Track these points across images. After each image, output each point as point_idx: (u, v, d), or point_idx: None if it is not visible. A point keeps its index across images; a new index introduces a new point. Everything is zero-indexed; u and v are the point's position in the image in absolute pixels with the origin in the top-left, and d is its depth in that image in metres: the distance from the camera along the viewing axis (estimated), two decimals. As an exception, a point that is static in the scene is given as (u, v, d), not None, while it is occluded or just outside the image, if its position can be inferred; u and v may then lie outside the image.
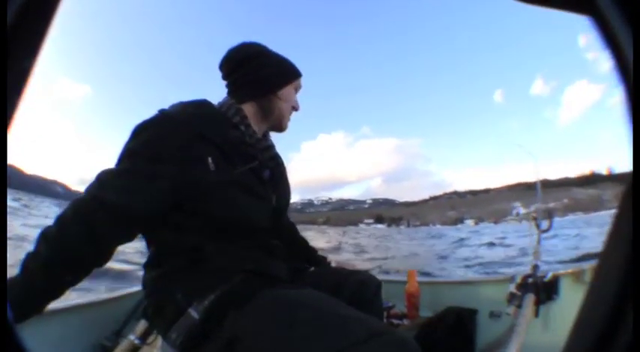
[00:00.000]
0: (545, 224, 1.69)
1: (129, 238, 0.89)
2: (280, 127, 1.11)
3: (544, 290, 1.42)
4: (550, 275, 1.47)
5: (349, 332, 0.71)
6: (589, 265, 1.78)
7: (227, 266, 0.88)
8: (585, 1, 0.33)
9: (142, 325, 1.29)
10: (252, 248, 0.94)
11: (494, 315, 1.61)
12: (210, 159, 0.88)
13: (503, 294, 1.53)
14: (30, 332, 1.03)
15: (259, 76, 1.05)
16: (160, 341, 0.96)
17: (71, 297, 1.32)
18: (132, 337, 1.27)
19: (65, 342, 1.25)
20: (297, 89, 1.13)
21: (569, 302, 1.35)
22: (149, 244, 0.97)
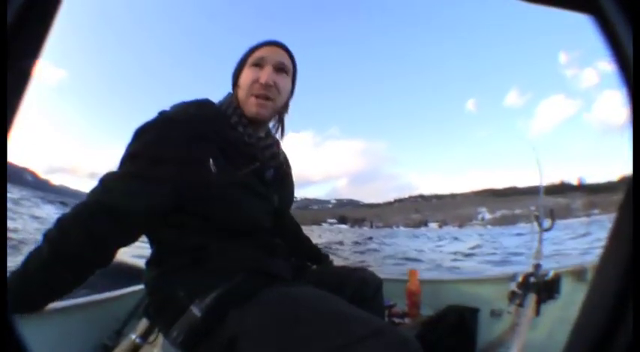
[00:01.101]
0: (546, 223, 1.68)
1: (131, 240, 0.90)
2: (250, 116, 1.00)
3: (545, 289, 1.42)
4: (551, 274, 1.47)
5: (350, 330, 0.71)
6: (590, 264, 1.78)
7: (229, 264, 0.89)
8: (588, 0, 0.33)
9: (143, 324, 1.29)
10: (254, 247, 0.94)
11: (495, 314, 1.60)
12: (211, 161, 0.88)
13: (505, 293, 1.53)
14: (31, 331, 1.03)
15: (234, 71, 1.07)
16: (161, 339, 0.96)
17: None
18: (133, 336, 1.27)
19: (66, 341, 1.25)
20: (259, 64, 1.01)
21: (571, 301, 1.35)
22: (152, 243, 0.97)
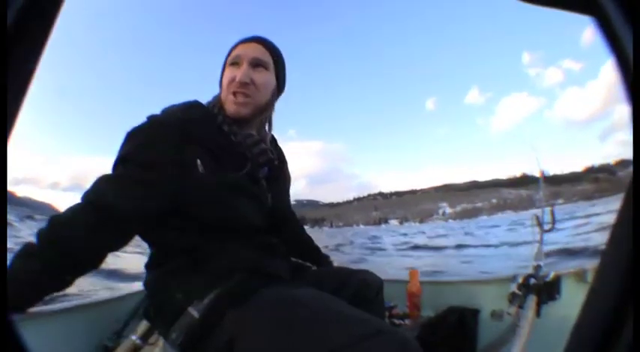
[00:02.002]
0: (547, 224, 1.68)
1: (122, 242, 0.91)
2: (231, 115, 1.00)
3: (546, 290, 1.42)
4: (552, 275, 1.47)
5: (350, 331, 0.71)
6: (591, 265, 1.78)
7: (226, 265, 0.89)
8: (588, 1, 0.33)
9: (143, 325, 1.29)
10: (251, 247, 0.94)
11: (495, 315, 1.60)
12: (199, 162, 0.89)
13: (505, 294, 1.53)
14: (31, 333, 1.03)
15: None
16: (161, 341, 0.96)
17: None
18: (133, 337, 1.27)
19: (66, 343, 1.25)
20: (236, 62, 1.01)
21: (571, 302, 1.35)
22: (149, 245, 0.97)
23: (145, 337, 1.27)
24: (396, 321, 1.82)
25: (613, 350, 0.36)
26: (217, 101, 1.04)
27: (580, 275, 1.70)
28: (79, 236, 0.83)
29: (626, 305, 0.36)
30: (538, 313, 1.38)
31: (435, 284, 2.06)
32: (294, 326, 0.74)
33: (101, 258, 0.88)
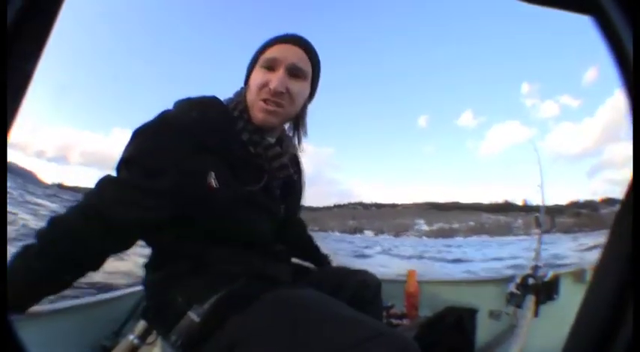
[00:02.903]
0: (545, 225, 1.69)
1: (123, 247, 0.86)
2: (256, 123, 0.90)
3: (544, 290, 1.42)
4: (550, 275, 1.47)
5: (349, 332, 0.70)
6: (589, 265, 1.78)
7: (228, 269, 0.87)
8: (588, 1, 0.33)
9: (141, 325, 1.28)
10: (254, 252, 0.93)
11: (493, 315, 1.60)
12: (213, 174, 0.83)
13: (503, 294, 1.53)
14: (29, 332, 1.03)
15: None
16: (159, 341, 0.96)
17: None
18: (131, 337, 1.27)
19: (64, 342, 1.25)
20: (270, 66, 0.90)
21: (569, 302, 1.35)
22: (150, 245, 0.96)
23: (142, 337, 1.26)
24: (394, 321, 1.82)
25: (612, 350, 0.36)
26: (240, 102, 0.93)
27: (578, 276, 1.71)
28: (79, 238, 0.79)
29: (624, 305, 0.36)
30: (536, 313, 1.39)
31: (432, 284, 2.06)
32: (295, 329, 0.73)
33: (102, 260, 0.85)
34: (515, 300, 1.46)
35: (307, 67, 0.92)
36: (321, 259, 1.32)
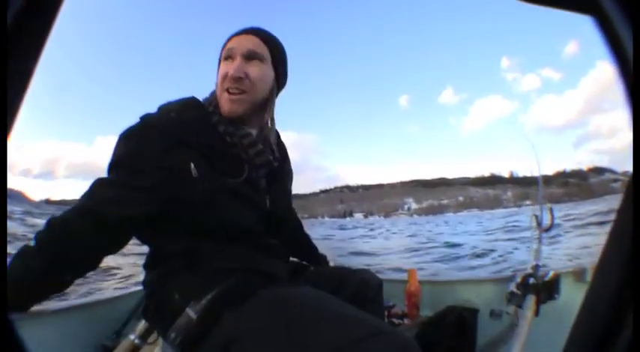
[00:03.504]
0: (546, 223, 1.69)
1: (117, 246, 0.90)
2: (225, 114, 0.95)
3: (545, 289, 1.42)
4: (551, 274, 1.47)
5: (349, 331, 0.70)
6: (590, 264, 1.78)
7: (224, 265, 0.88)
8: (588, 0, 0.33)
9: (142, 325, 1.29)
10: (248, 248, 0.94)
11: (494, 314, 1.60)
12: (192, 166, 0.87)
13: (504, 293, 1.53)
14: (31, 332, 1.03)
15: None
16: (160, 340, 0.96)
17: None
18: (132, 337, 1.27)
19: (66, 342, 1.25)
20: (229, 56, 0.96)
21: (570, 301, 1.35)
22: (147, 245, 0.97)
23: (144, 337, 1.27)
24: (395, 321, 1.82)
25: (612, 350, 0.36)
26: (213, 99, 0.99)
27: (579, 275, 1.71)
28: (75, 239, 0.83)
29: (625, 305, 0.36)
30: (537, 312, 1.39)
31: (433, 284, 2.06)
32: (292, 326, 0.74)
33: (98, 259, 0.88)
34: (516, 300, 1.46)
35: (263, 50, 0.97)
36: (319, 259, 1.32)
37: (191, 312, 0.82)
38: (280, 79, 1.03)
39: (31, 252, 0.81)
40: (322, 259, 1.34)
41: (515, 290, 1.48)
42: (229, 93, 0.94)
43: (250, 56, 0.95)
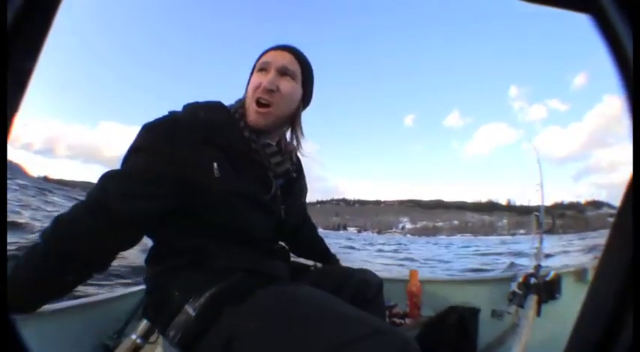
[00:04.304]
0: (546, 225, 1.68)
1: (130, 243, 0.89)
2: (251, 124, 0.97)
3: (546, 289, 1.42)
4: (552, 274, 1.47)
5: (348, 330, 0.70)
6: (591, 264, 1.78)
7: (225, 264, 0.88)
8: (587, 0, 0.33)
9: (144, 324, 1.29)
10: (252, 249, 0.94)
11: (496, 314, 1.60)
12: (215, 165, 0.87)
13: (505, 293, 1.53)
14: (32, 332, 1.03)
15: None
16: (162, 340, 0.96)
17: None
18: (134, 336, 1.27)
19: (67, 342, 1.25)
20: (264, 69, 0.99)
21: (572, 301, 1.35)
22: (152, 240, 0.97)
23: (145, 336, 1.27)
24: (397, 321, 1.82)
25: (613, 350, 0.36)
26: (240, 106, 1.01)
27: (580, 275, 1.70)
28: (85, 235, 0.80)
29: (626, 305, 0.36)
30: (538, 312, 1.38)
31: (435, 284, 2.06)
32: (292, 324, 0.74)
33: (107, 259, 0.87)
34: (517, 300, 1.46)
35: (296, 68, 1.01)
36: (330, 259, 1.34)
37: (190, 309, 0.82)
38: (306, 97, 1.07)
39: (38, 251, 0.79)
40: (333, 258, 1.36)
41: (516, 290, 1.48)
42: (259, 104, 0.97)
43: (283, 72, 0.99)
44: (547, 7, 0.37)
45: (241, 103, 1.02)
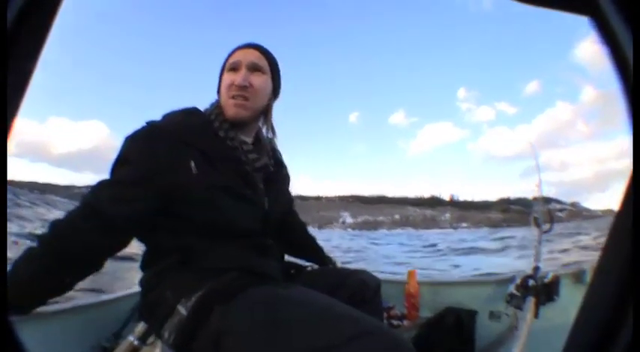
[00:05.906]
0: (545, 225, 1.69)
1: (121, 245, 0.93)
2: (230, 118, 1.02)
3: (544, 291, 1.42)
4: (550, 276, 1.47)
5: (339, 329, 0.71)
6: (589, 266, 1.78)
7: (216, 264, 0.90)
8: (586, 1, 0.33)
9: (141, 326, 1.28)
10: (242, 247, 0.95)
11: (494, 316, 1.60)
12: (192, 163, 0.91)
13: (503, 295, 1.53)
14: (29, 333, 1.03)
15: None
16: (159, 342, 0.96)
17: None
18: (131, 338, 1.26)
19: (64, 343, 1.25)
20: (234, 68, 1.04)
21: (570, 303, 1.35)
22: (144, 244, 0.99)
23: (143, 338, 1.26)
24: (394, 322, 1.82)
25: (612, 351, 0.36)
26: (215, 107, 1.05)
27: (578, 276, 1.71)
28: (77, 239, 0.85)
29: (624, 307, 0.36)
30: (536, 314, 1.39)
31: (433, 285, 2.06)
32: (281, 323, 0.74)
33: (101, 260, 0.91)
34: (515, 301, 1.46)
35: (264, 63, 1.07)
36: (324, 260, 1.33)
37: (182, 309, 0.83)
38: (276, 89, 1.13)
39: (34, 253, 0.83)
40: (328, 260, 1.35)
41: (514, 291, 1.49)
42: (234, 99, 1.01)
43: (254, 68, 1.04)
44: (545, 9, 0.37)
45: (216, 105, 1.06)
